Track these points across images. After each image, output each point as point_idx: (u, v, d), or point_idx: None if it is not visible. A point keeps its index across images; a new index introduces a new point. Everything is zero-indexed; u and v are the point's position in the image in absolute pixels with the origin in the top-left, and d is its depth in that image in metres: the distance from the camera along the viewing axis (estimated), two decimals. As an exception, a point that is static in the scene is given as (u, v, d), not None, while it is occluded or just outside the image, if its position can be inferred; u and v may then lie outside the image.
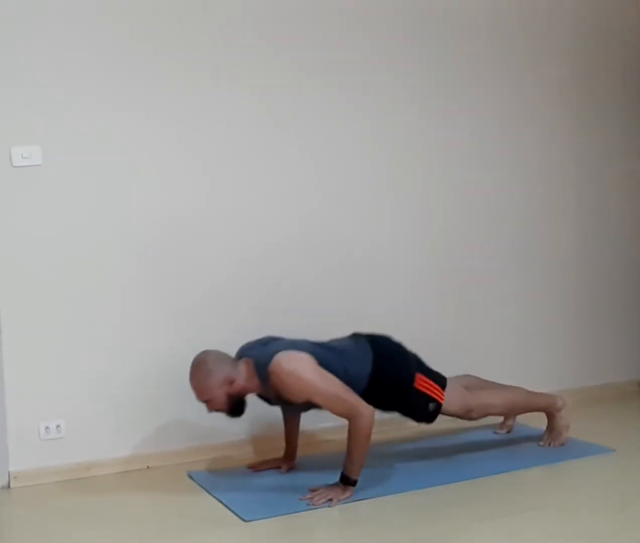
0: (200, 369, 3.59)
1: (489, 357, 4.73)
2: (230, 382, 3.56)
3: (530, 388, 4.18)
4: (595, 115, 5.03)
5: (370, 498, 3.50)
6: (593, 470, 3.80)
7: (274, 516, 3.37)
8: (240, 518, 3.36)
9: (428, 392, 3.78)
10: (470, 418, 3.95)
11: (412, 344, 3.93)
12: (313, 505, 3.43)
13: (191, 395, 3.69)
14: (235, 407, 3.63)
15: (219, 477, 3.86)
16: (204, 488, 3.72)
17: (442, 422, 4.29)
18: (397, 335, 3.88)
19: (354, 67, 4.41)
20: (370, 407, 3.49)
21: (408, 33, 4.53)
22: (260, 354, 3.59)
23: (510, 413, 4.23)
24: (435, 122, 4.62)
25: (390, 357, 3.76)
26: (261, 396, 3.74)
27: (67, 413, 3.93)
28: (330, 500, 3.45)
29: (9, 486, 3.84)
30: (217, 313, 4.16)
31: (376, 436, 3.60)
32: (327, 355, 3.60)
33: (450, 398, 3.83)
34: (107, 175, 3.96)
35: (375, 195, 4.50)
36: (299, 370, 3.46)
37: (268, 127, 4.25)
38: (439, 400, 3.80)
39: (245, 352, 3.69)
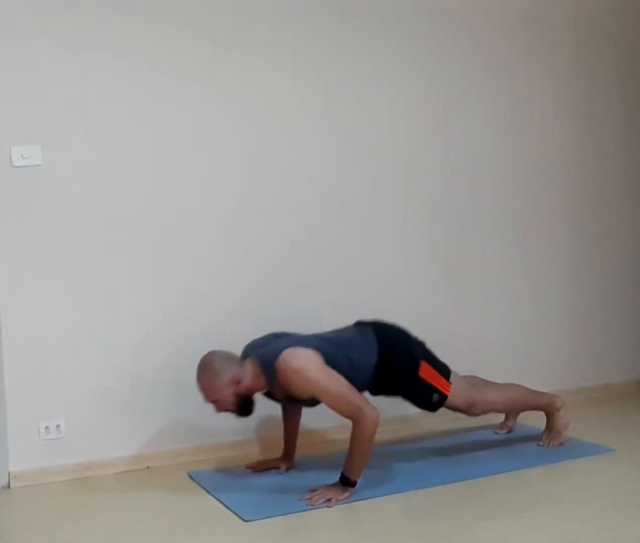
0: (207, 370, 3.59)
1: (489, 357, 4.71)
2: (237, 382, 3.56)
3: (530, 388, 4.18)
4: (593, 112, 5.04)
5: (370, 498, 3.50)
6: (593, 470, 3.80)
7: (273, 516, 3.37)
8: (240, 518, 3.36)
9: (433, 383, 3.78)
10: (472, 414, 3.94)
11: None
12: (312, 505, 3.43)
13: (191, 394, 3.69)
14: (244, 407, 3.64)
15: (219, 477, 3.86)
16: (204, 488, 3.72)
17: (442, 423, 4.30)
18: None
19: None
20: (376, 410, 3.48)
21: (400, 33, 4.51)
22: (265, 352, 3.59)
23: (511, 410, 4.24)
24: (434, 121, 4.62)
25: (394, 344, 3.76)
26: (268, 394, 3.74)
27: (67, 413, 3.93)
28: (329, 500, 3.44)
29: (9, 486, 3.84)
30: (217, 312, 4.16)
31: (376, 436, 3.58)
32: (333, 350, 3.60)
33: (454, 391, 3.82)
34: (107, 175, 3.96)
35: (377, 194, 4.51)
36: (306, 367, 3.46)
37: (276, 124, 4.27)
38: (444, 391, 3.80)
39: (250, 350, 3.69)
